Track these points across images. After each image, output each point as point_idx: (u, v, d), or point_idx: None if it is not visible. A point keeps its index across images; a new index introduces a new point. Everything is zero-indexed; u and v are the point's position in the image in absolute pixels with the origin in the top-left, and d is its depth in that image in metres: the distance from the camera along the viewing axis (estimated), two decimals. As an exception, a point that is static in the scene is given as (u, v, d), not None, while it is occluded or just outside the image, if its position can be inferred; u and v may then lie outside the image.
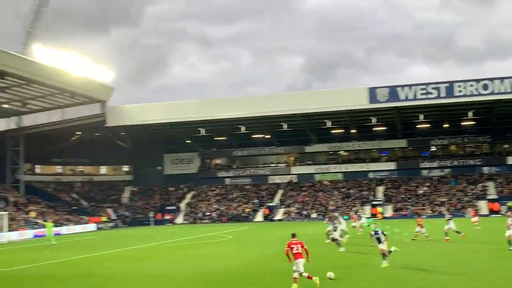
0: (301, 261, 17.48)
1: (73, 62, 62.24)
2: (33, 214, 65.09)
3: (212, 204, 79.21)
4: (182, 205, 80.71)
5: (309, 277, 17.28)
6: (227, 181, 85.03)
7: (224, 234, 48.98)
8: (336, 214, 45.33)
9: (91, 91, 66.84)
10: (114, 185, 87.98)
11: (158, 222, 75.83)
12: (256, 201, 78.27)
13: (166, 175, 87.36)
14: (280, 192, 79.98)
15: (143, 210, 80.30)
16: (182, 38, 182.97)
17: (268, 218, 73.39)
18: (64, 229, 63.65)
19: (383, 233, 22.45)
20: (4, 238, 52.04)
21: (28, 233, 57.54)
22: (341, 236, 31.90)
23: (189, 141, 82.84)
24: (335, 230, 31.24)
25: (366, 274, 20.76)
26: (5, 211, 58.26)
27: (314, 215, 71.59)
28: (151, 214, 77.42)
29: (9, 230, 53.77)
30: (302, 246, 17.81)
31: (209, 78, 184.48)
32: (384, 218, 65.42)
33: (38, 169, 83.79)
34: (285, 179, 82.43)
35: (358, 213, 52.06)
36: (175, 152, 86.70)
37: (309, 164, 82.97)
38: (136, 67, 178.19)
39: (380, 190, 76.26)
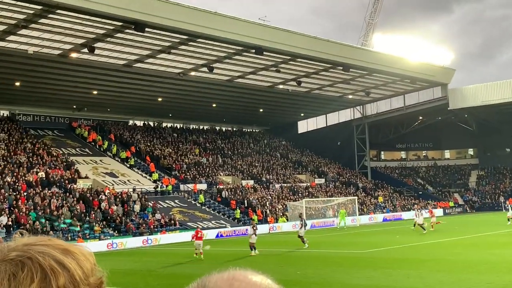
0: (200, 242, 28.12)
1: (412, 47, 62.14)
2: (381, 199, 67.50)
3: None
4: (538, 189, 73.70)
5: (201, 253, 27.86)
6: None
7: None
8: None
9: (431, 75, 65.81)
10: (459, 169, 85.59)
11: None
12: None
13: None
14: None
15: (492, 195, 76.00)
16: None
17: None
18: (410, 214, 64.26)
19: None
20: (356, 222, 55.07)
21: (378, 217, 59.80)
22: None
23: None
24: None
25: None
26: (356, 196, 61.80)
27: None
28: (502, 199, 72.70)
29: (359, 214, 56.66)
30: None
31: None
32: None
33: (383, 155, 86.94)
34: None
35: None
36: (526, 132, 79.71)
37: None
38: (480, 43, 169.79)
39: None
